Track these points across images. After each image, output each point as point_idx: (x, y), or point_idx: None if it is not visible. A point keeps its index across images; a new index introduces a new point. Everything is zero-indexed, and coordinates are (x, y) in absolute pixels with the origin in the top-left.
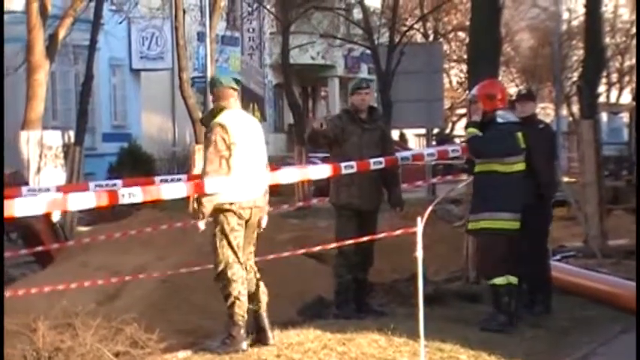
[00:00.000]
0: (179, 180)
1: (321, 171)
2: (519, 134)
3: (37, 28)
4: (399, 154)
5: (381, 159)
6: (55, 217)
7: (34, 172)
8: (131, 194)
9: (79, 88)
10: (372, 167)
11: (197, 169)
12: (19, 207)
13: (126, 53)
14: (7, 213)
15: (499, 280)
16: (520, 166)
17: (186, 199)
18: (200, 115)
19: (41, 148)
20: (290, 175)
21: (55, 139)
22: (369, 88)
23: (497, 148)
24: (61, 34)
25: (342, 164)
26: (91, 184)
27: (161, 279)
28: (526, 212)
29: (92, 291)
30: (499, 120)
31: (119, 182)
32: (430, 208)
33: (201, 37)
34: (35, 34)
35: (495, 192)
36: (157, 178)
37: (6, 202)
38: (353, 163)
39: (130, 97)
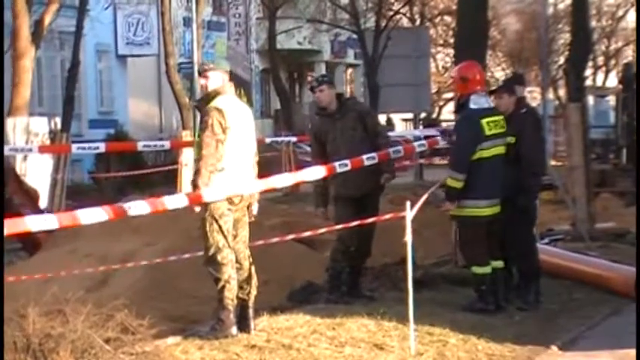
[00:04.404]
0: (162, 146)
1: (316, 172)
2: (485, 121)
3: (22, 14)
4: (391, 149)
5: (374, 154)
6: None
7: (20, 159)
8: (137, 206)
9: (65, 74)
10: (366, 163)
11: (184, 157)
12: (30, 223)
13: (112, 39)
14: (20, 229)
15: (479, 270)
16: (497, 151)
17: (174, 184)
18: (187, 100)
19: (28, 135)
20: (284, 179)
21: (41, 125)
22: (325, 84)
23: (468, 150)
24: (47, 20)
25: (337, 163)
26: (74, 146)
27: (150, 265)
28: (511, 197)
29: (81, 277)
30: (472, 105)
31: (102, 145)
32: (424, 198)
33: (187, 22)
34: (21, 20)
35: (475, 179)
36: (140, 144)
37: (18, 219)
38: (347, 161)
39: (117, 83)
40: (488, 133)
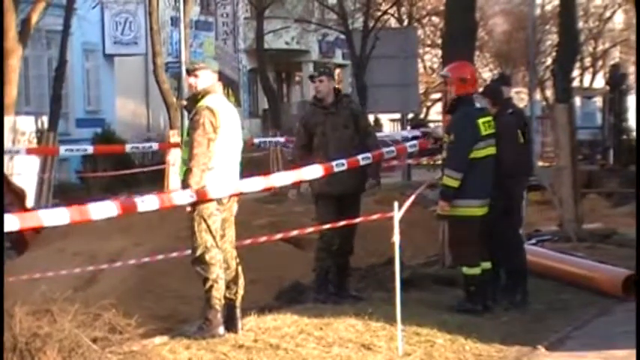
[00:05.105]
0: (150, 148)
1: (314, 171)
2: (481, 121)
3: (9, 13)
4: (385, 149)
5: (369, 154)
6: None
7: (7, 158)
8: (145, 201)
9: (52, 73)
10: (362, 163)
11: (171, 157)
12: (44, 217)
13: (99, 38)
14: (34, 223)
15: (469, 271)
16: (488, 151)
17: (162, 183)
18: (175, 100)
19: (14, 134)
20: (285, 177)
21: (28, 124)
22: (325, 75)
23: (466, 149)
24: (34, 18)
25: (334, 163)
26: (62, 148)
27: (138, 265)
28: (497, 198)
29: (69, 277)
30: (476, 105)
31: (90, 148)
32: (412, 198)
33: (174, 22)
34: (8, 19)
35: (468, 179)
36: (128, 146)
37: (32, 213)
38: (343, 160)
39: (104, 82)
40: (484, 133)
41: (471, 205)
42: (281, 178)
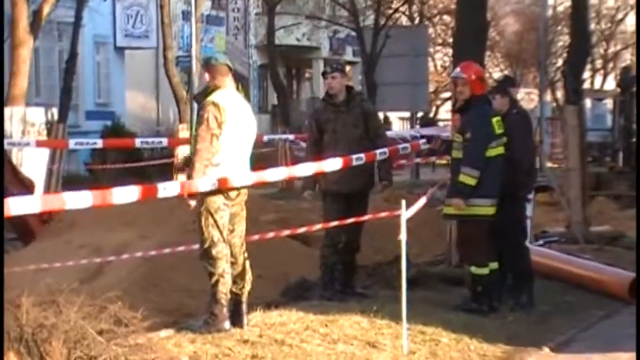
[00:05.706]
0: (160, 143)
1: (334, 164)
2: (495, 120)
3: (21, 4)
4: (400, 146)
5: (385, 149)
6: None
7: (16, 149)
8: (166, 188)
9: (62, 65)
10: (379, 158)
11: (180, 150)
12: (67, 199)
13: (110, 31)
14: (57, 205)
15: (477, 271)
16: (500, 150)
17: (170, 176)
18: (184, 94)
19: (24, 125)
20: (306, 169)
21: (38, 115)
22: (338, 72)
23: (483, 146)
24: (46, 10)
25: (354, 156)
26: (72, 142)
27: (144, 258)
28: (504, 199)
29: (75, 268)
30: (489, 105)
31: (100, 141)
32: (422, 201)
33: (186, 16)
34: (19, 10)
35: (481, 178)
36: (138, 141)
37: (56, 195)
38: (362, 155)
39: (114, 75)
40: (497, 132)
41: (483, 204)
42: (303, 169)
